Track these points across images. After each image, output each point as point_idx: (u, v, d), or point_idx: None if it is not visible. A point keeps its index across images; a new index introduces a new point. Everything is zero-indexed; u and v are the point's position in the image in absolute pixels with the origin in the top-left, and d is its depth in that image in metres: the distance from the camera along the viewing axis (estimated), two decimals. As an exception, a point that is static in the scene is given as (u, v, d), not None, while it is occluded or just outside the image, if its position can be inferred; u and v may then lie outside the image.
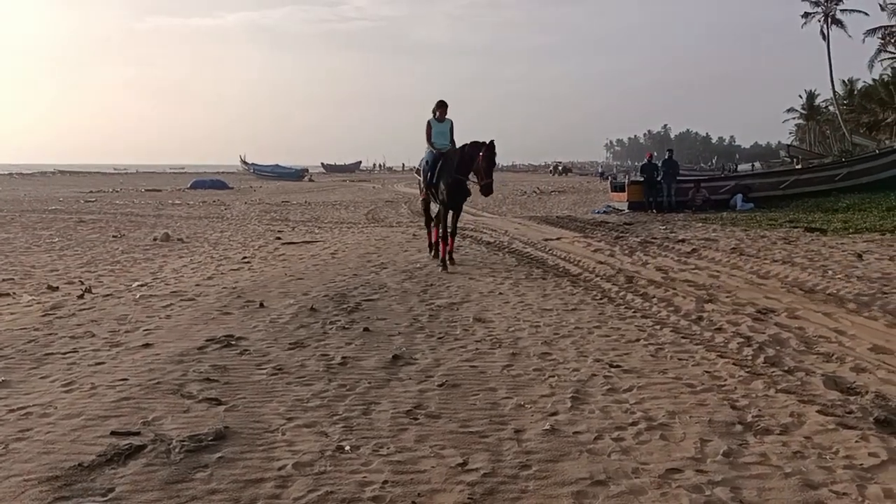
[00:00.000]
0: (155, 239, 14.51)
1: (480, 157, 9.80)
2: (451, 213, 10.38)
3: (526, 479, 3.42)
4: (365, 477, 3.46)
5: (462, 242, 13.47)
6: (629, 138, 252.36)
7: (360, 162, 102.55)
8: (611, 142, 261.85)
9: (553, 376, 5.07)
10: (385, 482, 3.39)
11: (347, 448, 3.80)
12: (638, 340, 6.04)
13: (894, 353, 5.47)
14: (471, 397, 4.64)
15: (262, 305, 7.52)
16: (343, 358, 5.54)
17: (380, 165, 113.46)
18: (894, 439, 3.82)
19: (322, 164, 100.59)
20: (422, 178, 10.81)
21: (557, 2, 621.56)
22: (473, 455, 3.70)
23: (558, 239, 13.98)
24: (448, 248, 10.34)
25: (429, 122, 10.45)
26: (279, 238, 14.92)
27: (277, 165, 74.71)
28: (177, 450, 3.73)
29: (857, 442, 3.80)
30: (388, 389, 4.81)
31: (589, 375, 5.07)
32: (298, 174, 66.62)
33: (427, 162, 10.54)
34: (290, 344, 5.99)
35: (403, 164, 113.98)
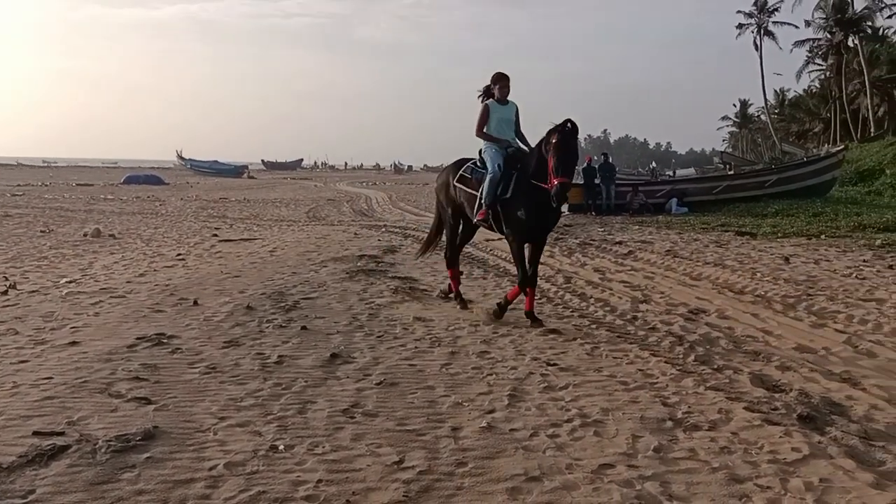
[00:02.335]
0: (85, 234, 14.02)
1: (552, 144, 6.27)
2: (531, 246, 7.01)
3: (462, 476, 3.43)
4: (299, 476, 3.41)
5: (404, 242, 13.43)
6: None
7: (302, 160, 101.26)
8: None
9: (491, 374, 5.10)
10: (319, 481, 3.35)
11: (281, 447, 3.74)
12: (575, 339, 6.12)
13: (818, 353, 5.69)
14: (409, 396, 4.62)
15: (196, 303, 7.34)
16: (279, 356, 5.45)
17: (322, 164, 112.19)
18: (816, 435, 3.97)
19: (263, 161, 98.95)
20: (483, 191, 6.92)
21: (501, 6, 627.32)
22: (410, 453, 3.69)
23: (500, 239, 14.01)
24: (530, 298, 6.94)
25: (486, 106, 7.09)
26: (216, 235, 14.60)
27: (216, 161, 73.23)
28: (103, 450, 3.61)
29: (781, 437, 3.93)
30: (324, 388, 4.75)
31: (526, 373, 5.11)
32: (237, 171, 65.45)
33: (498, 165, 6.85)
34: (224, 342, 5.86)
35: (346, 163, 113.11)
